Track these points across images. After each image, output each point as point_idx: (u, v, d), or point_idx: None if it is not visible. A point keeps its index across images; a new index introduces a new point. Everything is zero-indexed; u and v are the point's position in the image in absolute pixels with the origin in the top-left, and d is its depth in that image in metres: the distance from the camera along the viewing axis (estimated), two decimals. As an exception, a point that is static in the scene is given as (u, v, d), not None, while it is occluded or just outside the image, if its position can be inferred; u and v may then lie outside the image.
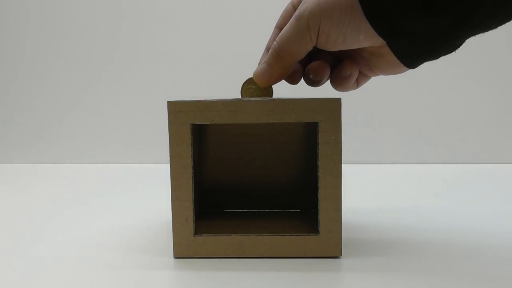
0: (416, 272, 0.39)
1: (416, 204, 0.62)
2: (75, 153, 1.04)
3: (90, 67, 1.03)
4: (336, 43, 0.38)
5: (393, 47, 0.39)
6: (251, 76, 0.44)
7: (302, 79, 0.46)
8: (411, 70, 0.42)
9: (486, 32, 0.37)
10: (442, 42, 0.37)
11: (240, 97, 0.47)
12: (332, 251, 0.42)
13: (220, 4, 0.99)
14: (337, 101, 0.40)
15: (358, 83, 0.46)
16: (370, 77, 0.46)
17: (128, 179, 0.86)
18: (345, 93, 0.48)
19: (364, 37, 0.37)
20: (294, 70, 0.44)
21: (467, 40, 0.38)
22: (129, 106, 1.02)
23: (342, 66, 0.43)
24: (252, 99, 0.42)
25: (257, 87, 0.45)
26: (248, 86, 0.46)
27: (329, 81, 0.46)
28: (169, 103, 0.41)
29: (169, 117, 0.41)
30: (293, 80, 0.45)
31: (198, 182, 0.48)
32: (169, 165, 0.41)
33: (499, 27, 0.36)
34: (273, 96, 0.46)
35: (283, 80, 0.44)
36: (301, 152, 0.51)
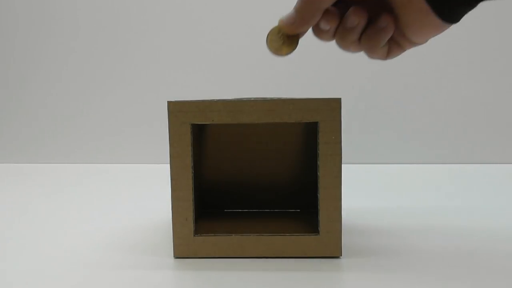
0: (416, 272, 0.39)
1: (416, 204, 0.62)
2: (75, 153, 1.04)
3: (90, 67, 1.02)
4: None
5: None
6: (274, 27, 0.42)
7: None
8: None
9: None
10: None
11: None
12: (332, 251, 0.42)
13: (220, 4, 0.99)
14: (337, 101, 0.40)
15: (389, 52, 0.44)
16: (402, 49, 0.44)
17: (128, 179, 0.86)
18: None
19: None
20: (330, 12, 0.41)
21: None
22: (129, 106, 1.02)
23: (379, 17, 0.42)
24: (252, 98, 0.42)
25: (282, 37, 0.43)
26: (272, 37, 0.44)
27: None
28: (169, 103, 0.41)
29: (169, 117, 0.41)
30: (327, 23, 0.42)
31: (198, 182, 0.48)
32: (169, 165, 0.41)
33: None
34: (275, 96, 0.46)
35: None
36: (301, 152, 0.51)
